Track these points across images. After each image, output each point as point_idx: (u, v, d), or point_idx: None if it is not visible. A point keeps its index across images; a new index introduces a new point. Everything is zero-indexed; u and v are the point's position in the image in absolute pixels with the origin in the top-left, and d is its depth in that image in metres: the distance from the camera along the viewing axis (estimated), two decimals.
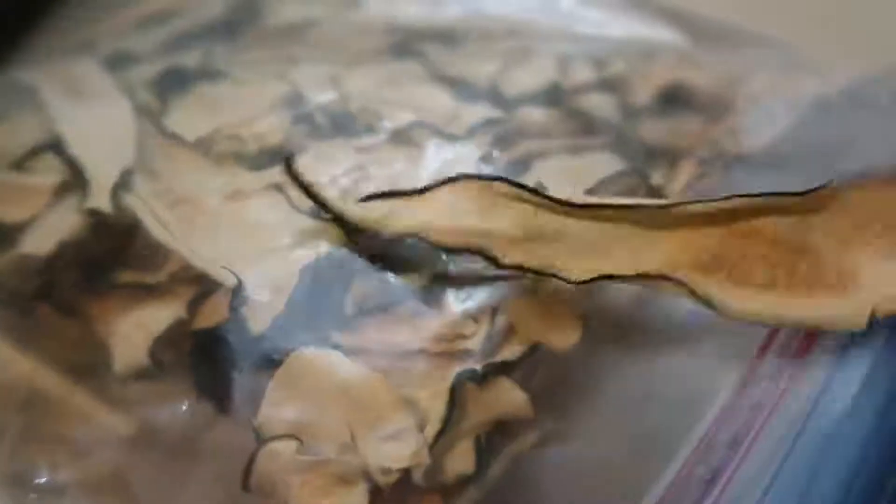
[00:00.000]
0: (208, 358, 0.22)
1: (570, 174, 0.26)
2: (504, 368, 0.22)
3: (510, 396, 0.21)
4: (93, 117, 0.30)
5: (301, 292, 0.23)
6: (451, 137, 0.28)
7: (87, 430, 0.24)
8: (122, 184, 0.26)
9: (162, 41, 0.35)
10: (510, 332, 0.23)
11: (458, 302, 0.24)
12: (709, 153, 0.29)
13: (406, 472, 0.20)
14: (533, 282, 0.24)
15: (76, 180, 0.27)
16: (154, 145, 0.28)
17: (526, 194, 0.21)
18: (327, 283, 0.24)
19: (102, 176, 0.27)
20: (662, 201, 0.22)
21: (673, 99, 0.31)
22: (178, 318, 0.23)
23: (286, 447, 0.20)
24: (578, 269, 0.21)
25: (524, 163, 0.27)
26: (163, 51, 0.34)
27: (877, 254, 0.21)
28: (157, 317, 0.23)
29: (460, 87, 0.31)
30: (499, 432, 0.21)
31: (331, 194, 0.24)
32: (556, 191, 0.23)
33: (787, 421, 0.20)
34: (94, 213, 0.26)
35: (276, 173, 0.27)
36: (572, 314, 0.24)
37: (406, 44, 0.33)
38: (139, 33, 0.36)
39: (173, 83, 0.31)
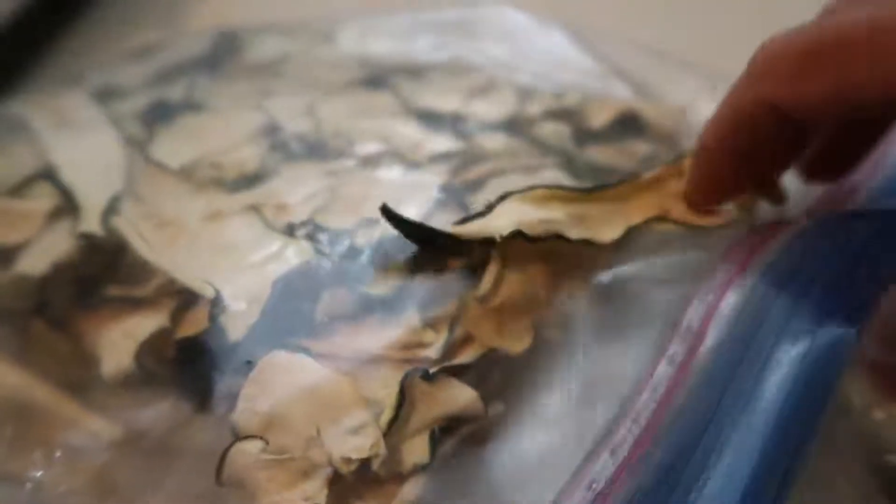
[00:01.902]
0: (190, 363, 0.24)
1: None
2: (459, 370, 0.25)
3: (461, 394, 0.23)
4: (83, 147, 0.32)
5: (274, 303, 0.25)
6: (415, 164, 0.30)
7: (76, 435, 0.26)
8: (111, 208, 0.29)
9: (148, 75, 0.37)
10: (468, 339, 0.26)
11: (420, 312, 0.26)
12: None
13: (365, 462, 0.22)
14: (489, 291, 0.26)
15: (68, 205, 0.29)
16: (140, 172, 0.31)
17: (558, 191, 0.27)
18: (298, 294, 0.26)
19: (92, 201, 0.29)
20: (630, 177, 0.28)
21: (624, 126, 0.33)
22: (162, 327, 0.25)
23: (254, 446, 0.22)
24: (609, 233, 0.26)
25: (479, 183, 0.29)
26: (149, 84, 0.36)
27: None
28: (143, 326, 0.25)
29: (427, 118, 0.33)
30: (452, 426, 0.23)
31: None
32: None
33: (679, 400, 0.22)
34: (85, 236, 0.28)
35: (253, 195, 0.29)
36: (524, 322, 0.26)
37: (378, 77, 0.36)
38: (127, 67, 0.38)
39: (159, 115, 0.33)
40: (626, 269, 0.27)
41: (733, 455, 0.20)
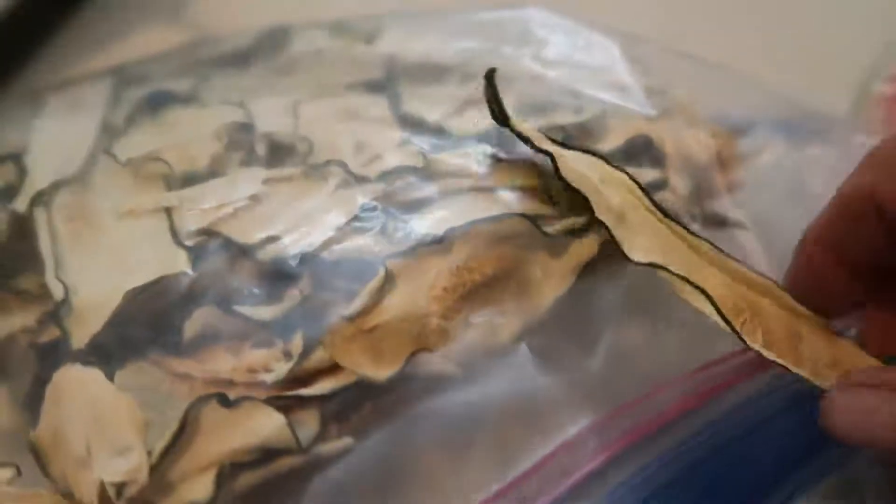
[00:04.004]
0: (30, 370, 0.23)
1: (455, 214, 0.25)
2: (305, 402, 0.22)
3: (266, 422, 0.21)
4: (62, 130, 0.31)
5: (125, 313, 0.23)
6: (360, 179, 0.27)
7: None
8: (44, 193, 0.28)
9: (180, 66, 0.36)
10: (334, 367, 0.23)
11: (298, 336, 0.23)
12: None
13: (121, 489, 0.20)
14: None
15: (18, 184, 0.29)
16: (100, 162, 0.30)
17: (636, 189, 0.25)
18: (164, 307, 0.24)
19: (37, 183, 0.28)
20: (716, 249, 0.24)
21: (633, 150, 0.29)
22: (24, 327, 0.24)
23: (2, 475, 0.20)
24: (642, 252, 0.24)
25: (417, 204, 0.26)
26: (175, 74, 0.35)
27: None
28: (4, 322, 0.24)
29: (411, 126, 0.30)
30: (260, 459, 0.20)
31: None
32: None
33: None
34: (12, 215, 0.27)
35: (177, 196, 0.27)
36: (399, 348, 0.23)
37: (385, 79, 0.33)
38: (167, 58, 0.37)
39: (151, 105, 0.32)
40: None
41: None
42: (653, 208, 0.25)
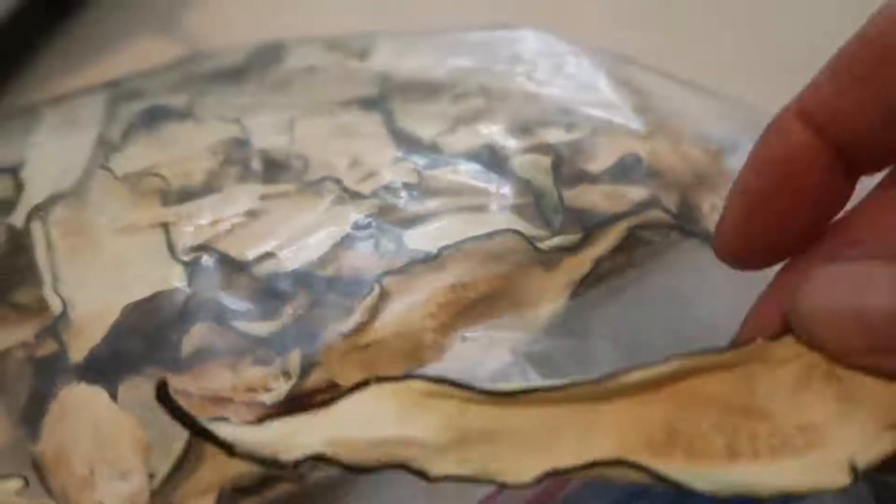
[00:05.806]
0: (27, 384, 0.23)
1: (448, 231, 0.26)
2: None
3: None
4: (58, 145, 0.32)
5: (124, 328, 0.23)
6: (354, 195, 0.27)
7: None
8: (41, 207, 0.28)
9: (175, 81, 0.36)
10: (331, 387, 0.23)
11: (296, 354, 0.24)
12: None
13: None
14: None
15: (15, 198, 0.29)
16: (97, 176, 0.30)
17: (448, 389, 0.17)
18: (160, 322, 0.24)
19: (33, 197, 0.29)
20: (597, 376, 0.18)
21: (623, 168, 0.29)
22: (22, 342, 0.24)
23: (11, 486, 0.20)
24: (521, 468, 0.17)
25: (413, 221, 0.26)
26: (170, 89, 0.36)
27: (830, 401, 0.18)
28: (4, 336, 0.24)
29: (406, 143, 0.30)
30: (258, 486, 0.21)
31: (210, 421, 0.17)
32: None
33: None
34: (9, 229, 0.27)
35: (174, 212, 0.27)
36: (393, 364, 0.23)
37: (379, 96, 0.33)
38: (162, 72, 0.37)
39: (147, 120, 0.32)
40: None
41: None
42: (481, 396, 0.17)
